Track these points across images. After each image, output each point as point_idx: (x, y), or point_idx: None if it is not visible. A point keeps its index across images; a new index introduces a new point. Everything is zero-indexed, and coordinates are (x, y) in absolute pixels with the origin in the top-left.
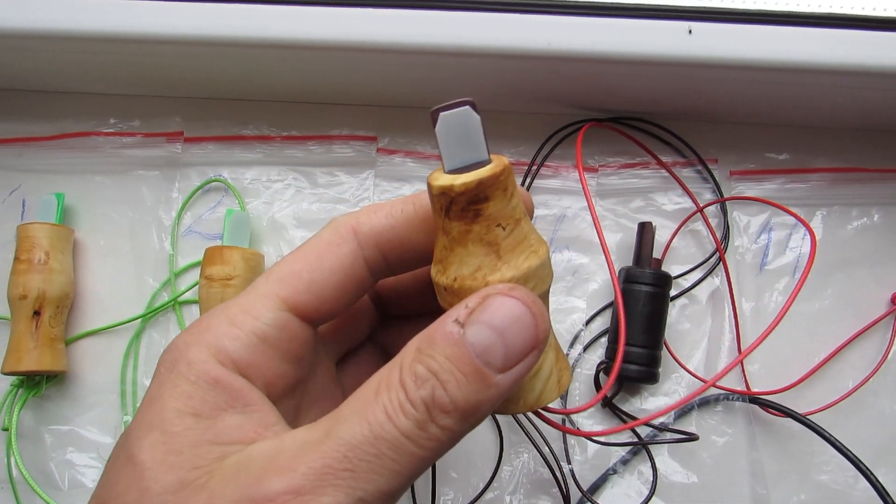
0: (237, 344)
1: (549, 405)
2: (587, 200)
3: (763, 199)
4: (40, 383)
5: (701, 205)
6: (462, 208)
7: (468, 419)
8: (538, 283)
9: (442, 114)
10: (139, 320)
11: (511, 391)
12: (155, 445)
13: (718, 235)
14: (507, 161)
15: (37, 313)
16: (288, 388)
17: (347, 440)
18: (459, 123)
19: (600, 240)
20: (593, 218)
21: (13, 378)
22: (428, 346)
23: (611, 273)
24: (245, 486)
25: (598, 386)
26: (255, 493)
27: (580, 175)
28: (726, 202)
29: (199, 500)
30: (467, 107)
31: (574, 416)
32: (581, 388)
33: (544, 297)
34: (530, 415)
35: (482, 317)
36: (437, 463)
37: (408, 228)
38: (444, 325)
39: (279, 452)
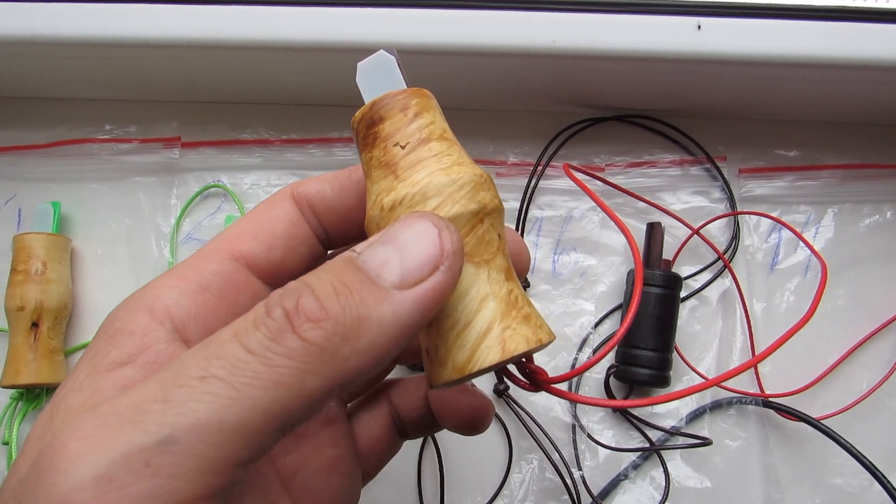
0: (175, 293)
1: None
2: (598, 201)
3: (771, 216)
4: (40, 395)
5: (708, 204)
6: (364, 135)
7: (347, 336)
8: (446, 200)
9: (359, 64)
10: None
11: (418, 317)
12: (42, 418)
13: (728, 236)
14: (421, 90)
15: (35, 325)
16: None
17: (173, 368)
18: (377, 67)
19: (624, 232)
20: (610, 214)
21: (12, 391)
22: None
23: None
24: (42, 435)
25: (608, 390)
26: (41, 442)
27: (580, 184)
28: (735, 201)
29: (25, 463)
30: (381, 51)
31: (587, 425)
32: (591, 392)
33: (470, 222)
34: (538, 416)
35: (380, 238)
36: (444, 470)
37: (340, 195)
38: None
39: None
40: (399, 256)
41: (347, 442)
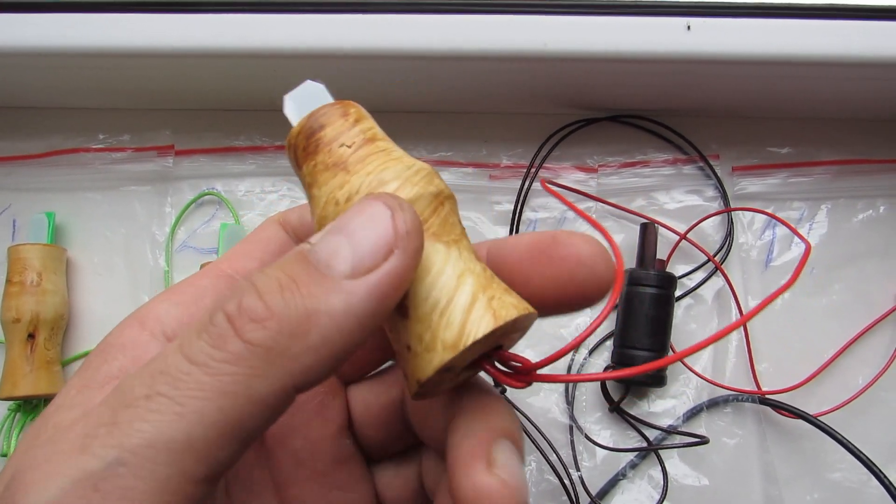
0: (166, 304)
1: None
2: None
3: (767, 211)
4: (38, 407)
5: (702, 202)
6: (304, 147)
7: (295, 333)
8: (405, 183)
9: (285, 96)
10: None
11: (375, 305)
12: (29, 433)
13: (722, 234)
14: (353, 103)
15: (31, 336)
16: None
17: (121, 388)
18: (305, 96)
19: (609, 242)
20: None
21: (10, 403)
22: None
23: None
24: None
25: (604, 390)
26: (22, 460)
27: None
28: (729, 199)
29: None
30: (307, 81)
31: (584, 426)
32: (587, 393)
33: (432, 203)
34: (535, 418)
35: (332, 227)
36: None
37: None
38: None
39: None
40: (350, 244)
41: (365, 488)
